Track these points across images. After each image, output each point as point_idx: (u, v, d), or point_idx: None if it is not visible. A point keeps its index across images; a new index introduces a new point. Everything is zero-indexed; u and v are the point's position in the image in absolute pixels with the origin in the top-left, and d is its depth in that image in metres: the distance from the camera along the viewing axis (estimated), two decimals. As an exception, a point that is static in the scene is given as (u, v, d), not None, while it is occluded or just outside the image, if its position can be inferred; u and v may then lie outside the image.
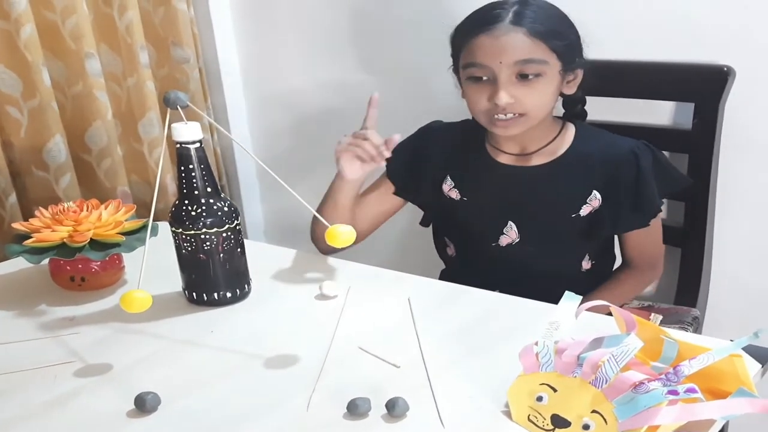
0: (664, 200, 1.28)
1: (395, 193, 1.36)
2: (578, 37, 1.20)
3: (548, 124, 1.24)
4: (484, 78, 1.16)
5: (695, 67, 1.35)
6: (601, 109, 1.36)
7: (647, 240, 1.29)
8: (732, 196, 1.42)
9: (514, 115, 1.17)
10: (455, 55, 1.22)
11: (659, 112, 1.44)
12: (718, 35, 1.33)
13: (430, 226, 1.43)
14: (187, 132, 1.04)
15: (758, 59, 1.31)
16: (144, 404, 0.87)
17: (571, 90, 1.23)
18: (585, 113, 1.33)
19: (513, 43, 1.13)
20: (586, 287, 1.26)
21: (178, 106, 0.98)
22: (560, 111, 1.32)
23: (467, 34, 1.17)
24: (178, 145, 1.05)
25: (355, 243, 0.90)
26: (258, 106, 2.04)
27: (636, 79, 1.42)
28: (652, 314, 1.34)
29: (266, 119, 2.04)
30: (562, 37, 1.16)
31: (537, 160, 1.26)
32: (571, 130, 1.27)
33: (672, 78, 1.38)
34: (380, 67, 1.76)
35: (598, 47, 1.22)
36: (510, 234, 1.27)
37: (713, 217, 1.42)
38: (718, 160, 1.38)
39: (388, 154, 1.19)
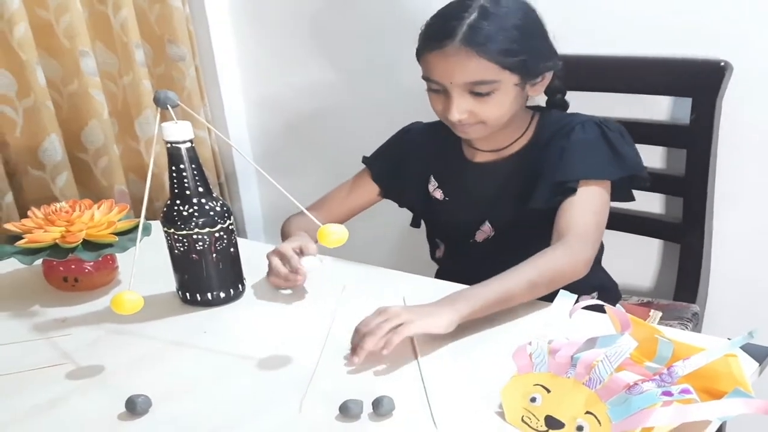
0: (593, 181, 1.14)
1: (381, 195, 1.37)
2: (540, 45, 1.15)
3: (517, 121, 1.21)
4: (441, 90, 1.15)
5: (693, 62, 1.33)
6: (598, 104, 1.34)
7: (573, 211, 1.13)
8: (730, 191, 1.40)
9: (472, 123, 1.15)
10: (418, 59, 1.19)
11: (657, 108, 1.43)
12: (715, 30, 1.32)
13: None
14: (178, 131, 1.03)
15: (755, 54, 1.29)
16: (135, 407, 0.87)
17: (537, 92, 1.19)
18: (566, 104, 1.29)
19: (462, 66, 1.10)
20: None
21: (168, 106, 0.97)
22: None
23: (423, 46, 1.15)
24: (169, 145, 1.04)
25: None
26: (255, 104, 2.03)
27: (634, 75, 1.41)
28: (652, 310, 1.34)
29: (264, 117, 2.03)
30: (517, 53, 1.11)
31: (504, 154, 1.24)
32: (536, 120, 1.24)
33: (670, 73, 1.37)
34: (380, 65, 1.75)
35: (596, 43, 1.21)
36: (485, 229, 1.26)
37: (712, 212, 1.41)
38: (716, 154, 1.37)
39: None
